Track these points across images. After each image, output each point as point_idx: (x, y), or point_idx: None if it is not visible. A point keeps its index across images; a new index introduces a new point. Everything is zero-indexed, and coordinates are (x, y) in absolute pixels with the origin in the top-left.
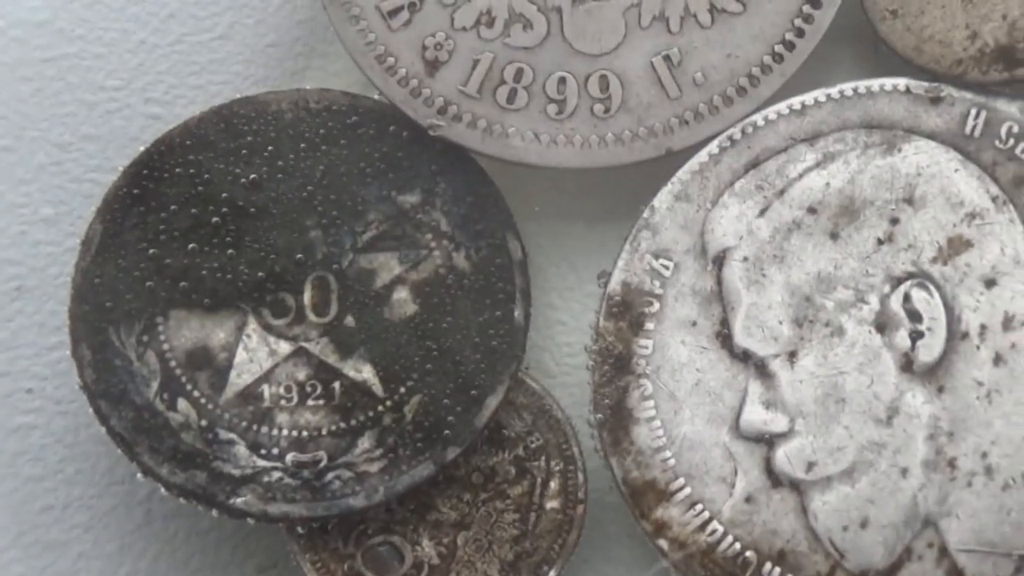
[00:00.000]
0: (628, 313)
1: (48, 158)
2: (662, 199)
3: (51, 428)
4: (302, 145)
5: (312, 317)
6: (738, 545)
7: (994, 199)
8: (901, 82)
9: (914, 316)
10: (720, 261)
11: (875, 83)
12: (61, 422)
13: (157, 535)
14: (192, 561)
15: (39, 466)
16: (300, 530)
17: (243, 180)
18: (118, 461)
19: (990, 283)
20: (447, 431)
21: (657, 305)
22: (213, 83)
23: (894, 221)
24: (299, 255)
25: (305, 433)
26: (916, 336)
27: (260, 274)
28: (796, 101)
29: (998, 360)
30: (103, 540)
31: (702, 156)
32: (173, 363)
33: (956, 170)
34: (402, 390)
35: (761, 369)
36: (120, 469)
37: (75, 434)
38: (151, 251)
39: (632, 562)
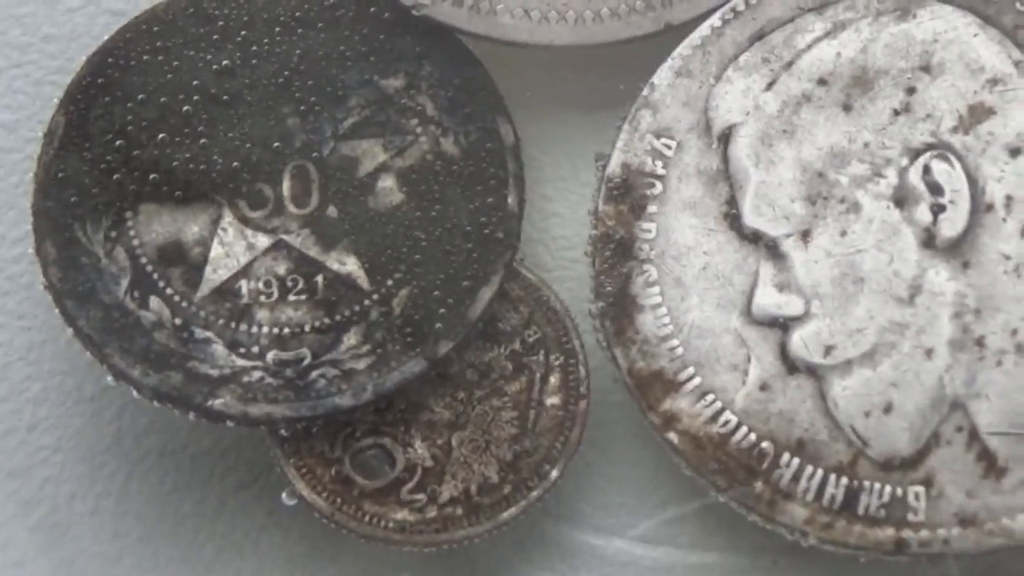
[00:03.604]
0: (629, 196)
1: (6, 61)
2: (662, 76)
3: (14, 345)
4: (277, 29)
5: (292, 208)
6: (753, 436)
7: (1016, 64)
8: None
9: (935, 189)
10: (726, 138)
11: None
12: (24, 338)
13: (128, 454)
14: (167, 480)
15: (2, 387)
16: (283, 433)
17: (215, 66)
18: (85, 377)
19: (1015, 152)
20: (438, 325)
21: (660, 187)
22: None
23: (910, 90)
24: (276, 144)
25: (287, 330)
26: (938, 210)
27: (235, 164)
28: None
29: None
30: (71, 462)
31: (703, 30)
32: (144, 260)
33: (975, 35)
34: (390, 283)
35: (773, 250)
36: (88, 386)
37: (40, 350)
38: (118, 143)
39: (638, 463)
